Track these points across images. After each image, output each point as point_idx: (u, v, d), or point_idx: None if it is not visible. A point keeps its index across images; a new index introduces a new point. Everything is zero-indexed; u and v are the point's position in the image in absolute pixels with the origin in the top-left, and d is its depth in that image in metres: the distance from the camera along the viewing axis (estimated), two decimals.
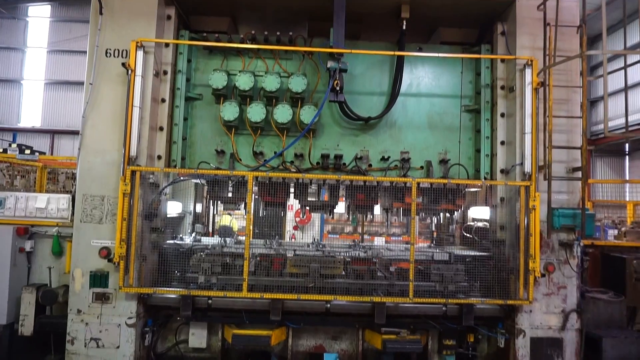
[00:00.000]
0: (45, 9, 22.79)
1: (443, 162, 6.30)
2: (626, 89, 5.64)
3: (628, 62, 5.58)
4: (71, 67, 22.37)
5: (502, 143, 6.03)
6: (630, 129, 5.83)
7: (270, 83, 5.91)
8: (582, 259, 5.76)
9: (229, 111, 5.91)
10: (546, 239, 5.59)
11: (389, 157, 6.24)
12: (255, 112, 5.91)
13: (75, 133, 20.22)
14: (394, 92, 6.23)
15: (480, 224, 6.43)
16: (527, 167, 5.56)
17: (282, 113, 5.90)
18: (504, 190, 5.95)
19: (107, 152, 5.54)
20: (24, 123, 22.99)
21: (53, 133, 22.63)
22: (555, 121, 5.52)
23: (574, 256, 5.60)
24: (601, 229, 10.29)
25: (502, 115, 6.06)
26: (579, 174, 5.53)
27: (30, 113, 23.01)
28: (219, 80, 5.90)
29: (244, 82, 5.92)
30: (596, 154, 21.37)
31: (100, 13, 5.65)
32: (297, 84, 5.89)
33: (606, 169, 21.80)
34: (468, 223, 6.89)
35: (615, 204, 13.31)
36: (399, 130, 6.35)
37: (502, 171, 6.00)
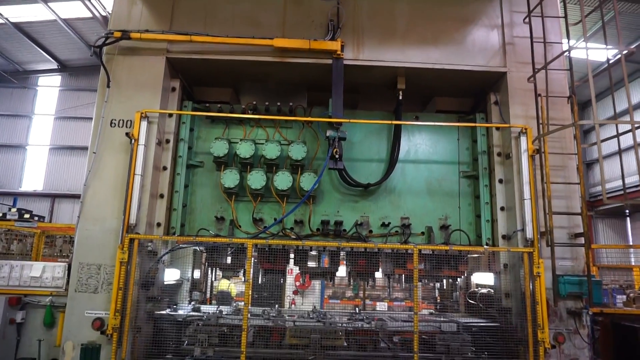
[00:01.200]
0: (55, 79, 23.69)
1: (444, 227, 6.27)
2: (620, 155, 5.71)
3: (620, 130, 5.70)
4: (76, 133, 22.83)
5: (502, 209, 6.04)
6: (627, 191, 5.81)
7: (271, 151, 6.03)
8: (593, 328, 5.56)
9: (230, 178, 5.98)
10: (553, 307, 5.42)
11: (389, 222, 6.22)
12: (256, 179, 5.99)
13: (75, 197, 20.29)
14: (392, 159, 6.33)
15: (484, 290, 6.27)
16: (529, 233, 5.51)
17: (282, 180, 5.96)
18: (507, 257, 5.86)
19: (106, 220, 5.53)
20: (26, 187, 23.13)
21: (54, 197, 22.69)
22: (554, 187, 5.57)
23: (583, 325, 5.41)
24: (609, 294, 10.04)
25: (500, 181, 6.12)
26: (582, 240, 5.48)
27: (32, 177, 23.23)
28: (220, 148, 6.03)
29: (244, 150, 6.04)
30: (597, 216, 21.33)
31: (108, 86, 5.88)
32: (297, 152, 6.01)
33: (608, 231, 21.66)
34: (472, 289, 6.72)
35: (621, 267, 13.11)
36: (399, 196, 6.39)
37: (503, 237, 5.96)
